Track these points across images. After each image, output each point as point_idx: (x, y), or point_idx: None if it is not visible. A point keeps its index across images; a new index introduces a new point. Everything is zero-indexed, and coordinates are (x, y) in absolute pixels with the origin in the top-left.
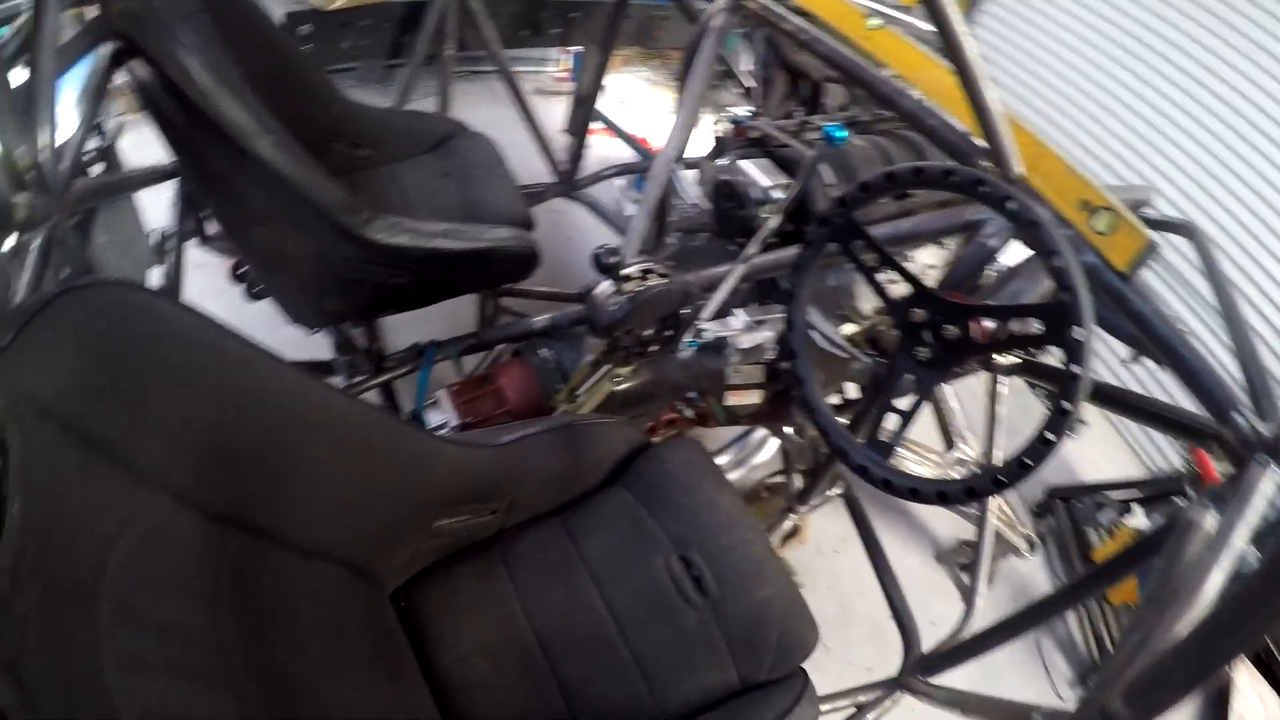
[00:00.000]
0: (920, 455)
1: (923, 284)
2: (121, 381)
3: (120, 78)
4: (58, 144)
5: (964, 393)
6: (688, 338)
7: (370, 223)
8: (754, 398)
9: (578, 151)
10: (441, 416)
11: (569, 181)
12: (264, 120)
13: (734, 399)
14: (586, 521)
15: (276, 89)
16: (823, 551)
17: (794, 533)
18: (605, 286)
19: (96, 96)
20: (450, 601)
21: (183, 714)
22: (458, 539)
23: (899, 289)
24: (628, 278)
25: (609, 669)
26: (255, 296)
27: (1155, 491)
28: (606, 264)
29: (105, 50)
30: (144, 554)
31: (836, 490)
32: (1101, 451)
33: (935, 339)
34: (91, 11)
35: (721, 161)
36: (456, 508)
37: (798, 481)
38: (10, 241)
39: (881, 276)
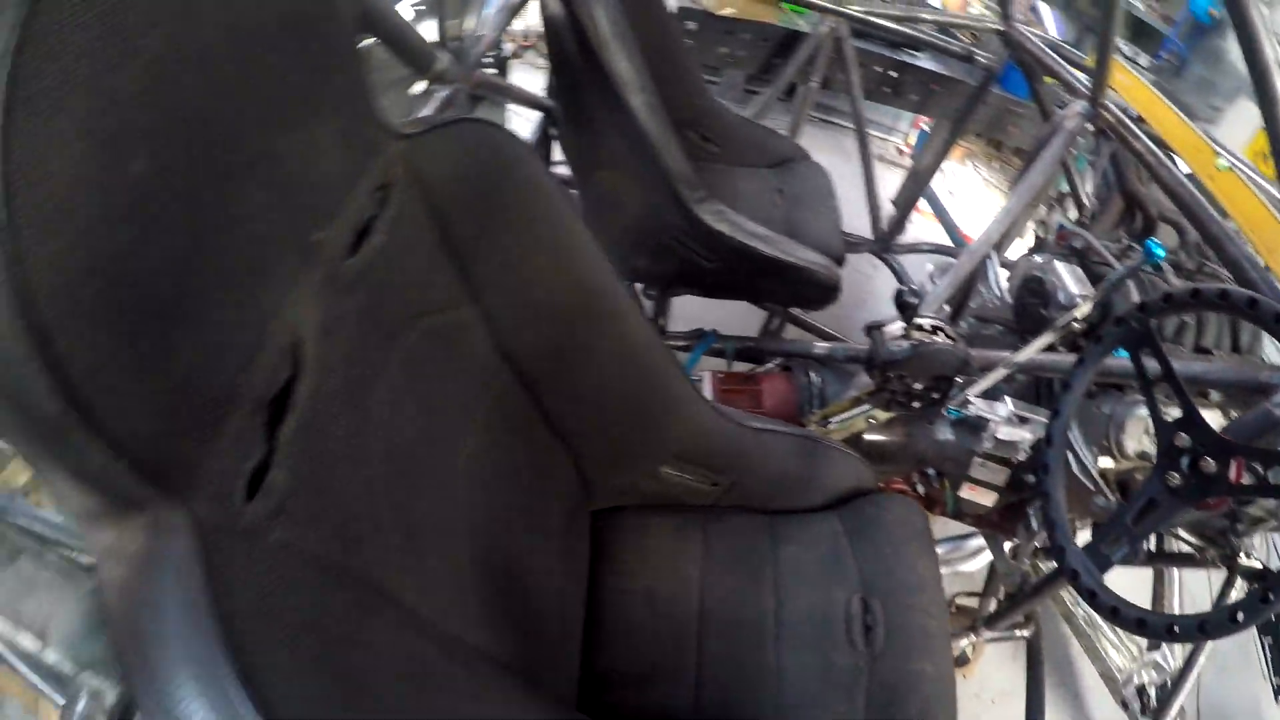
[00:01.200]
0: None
1: (1197, 409)
2: (486, 199)
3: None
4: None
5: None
6: (952, 405)
7: (702, 202)
8: (988, 499)
9: (900, 222)
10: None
11: (885, 243)
12: (644, 80)
13: (969, 493)
14: (791, 531)
15: (657, 63)
16: (981, 697)
17: (963, 661)
18: (894, 327)
19: (511, 13)
20: (639, 541)
21: (411, 495)
22: (672, 493)
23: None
24: (918, 326)
25: (749, 667)
26: None
27: None
28: (905, 302)
29: None
30: (436, 339)
31: (1024, 632)
32: None
33: (1191, 468)
34: None
35: (1036, 258)
36: (687, 464)
37: (992, 605)
38: (421, 86)
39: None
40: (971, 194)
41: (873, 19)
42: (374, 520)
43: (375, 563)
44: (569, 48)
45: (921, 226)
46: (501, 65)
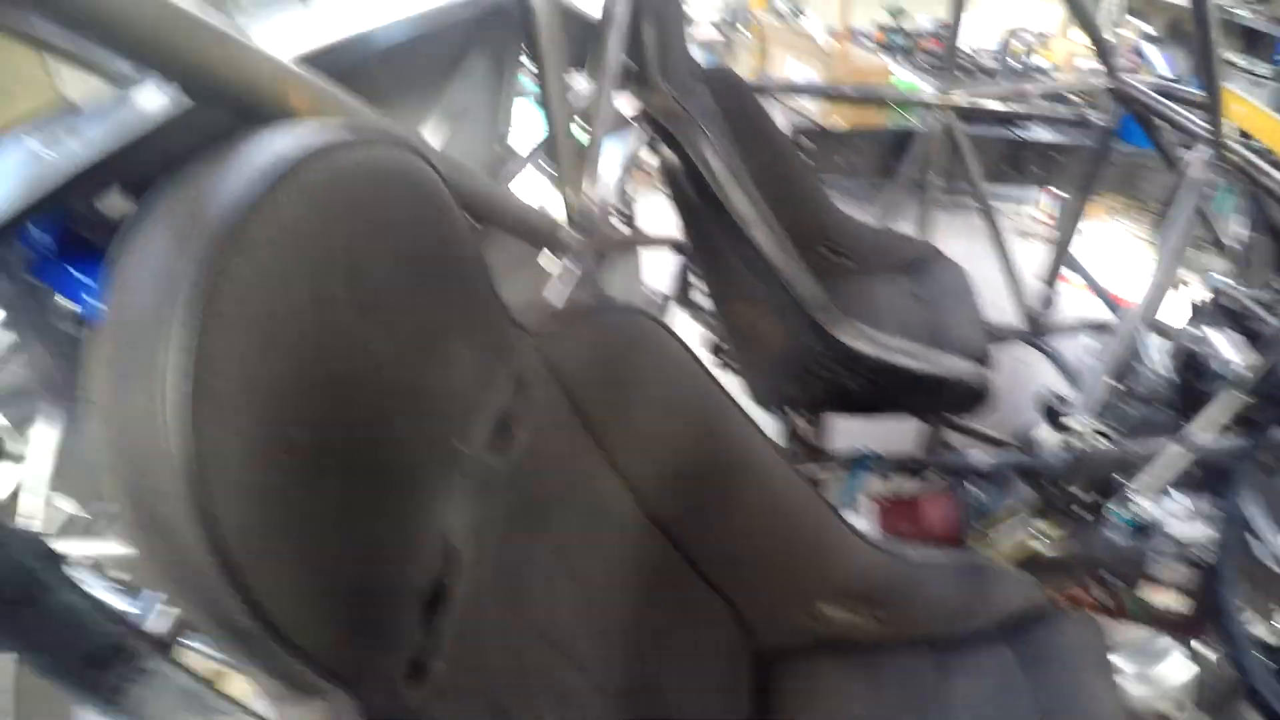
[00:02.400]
0: None
1: None
2: (622, 379)
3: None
4: (597, 196)
5: None
6: (1118, 508)
7: (839, 324)
8: (1172, 599)
9: (1048, 298)
10: (859, 523)
11: (1035, 327)
12: (763, 212)
13: (1152, 593)
14: (960, 662)
15: (777, 188)
16: None
17: None
18: (1048, 435)
19: (629, 166)
20: (802, 684)
21: (563, 665)
22: (834, 632)
23: None
24: (1072, 430)
25: None
26: (724, 366)
27: None
28: (1054, 411)
29: (642, 132)
30: (584, 517)
31: None
32: None
33: None
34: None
35: (1191, 330)
36: (845, 600)
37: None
38: (549, 258)
39: None
40: (1119, 250)
41: (979, 103)
42: (525, 693)
43: None
44: (687, 191)
45: (1073, 297)
46: (629, 212)
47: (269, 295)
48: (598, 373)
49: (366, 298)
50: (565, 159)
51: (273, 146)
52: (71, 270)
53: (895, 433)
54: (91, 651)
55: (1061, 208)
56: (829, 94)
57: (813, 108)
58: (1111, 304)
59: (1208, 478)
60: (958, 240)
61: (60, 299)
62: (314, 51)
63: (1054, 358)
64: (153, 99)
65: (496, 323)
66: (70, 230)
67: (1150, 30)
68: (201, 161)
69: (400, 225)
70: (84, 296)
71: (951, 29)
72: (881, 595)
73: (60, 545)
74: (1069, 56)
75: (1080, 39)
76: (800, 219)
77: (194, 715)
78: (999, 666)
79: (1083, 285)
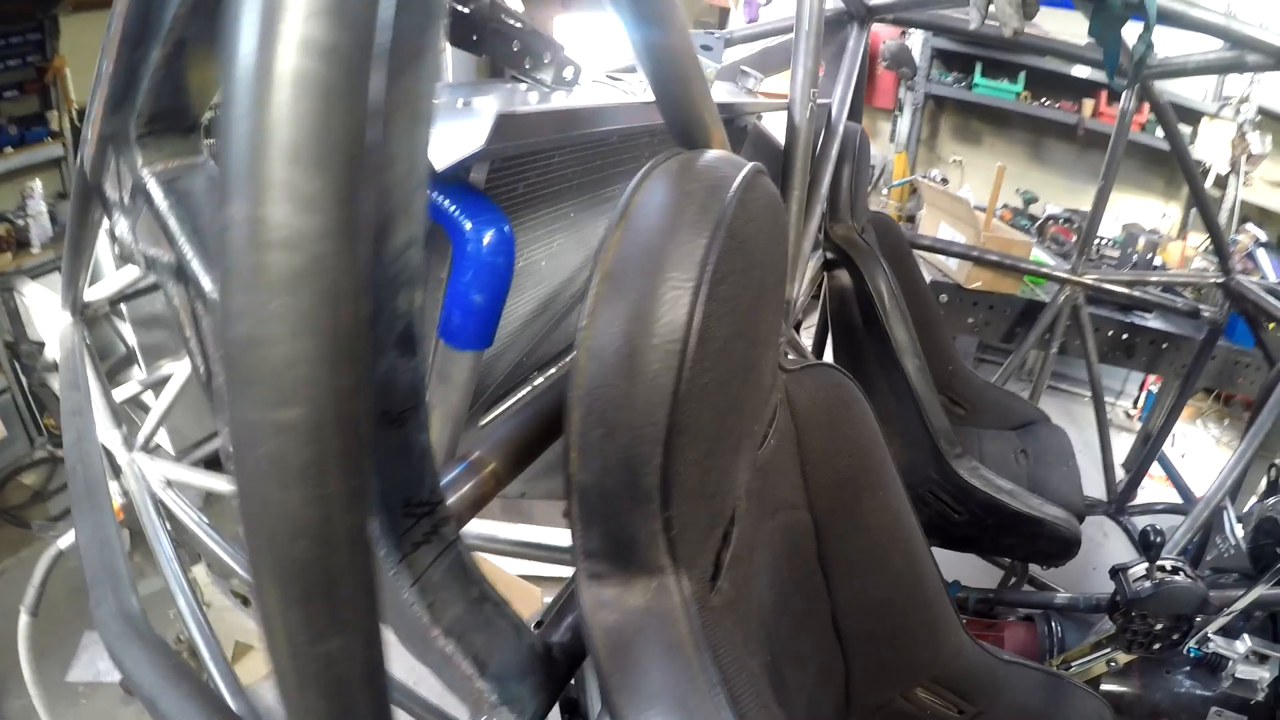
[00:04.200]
0: None
1: None
2: (830, 426)
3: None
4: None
5: None
6: (1192, 643)
7: (959, 458)
8: None
9: (1132, 485)
10: None
11: (1119, 505)
12: (916, 346)
13: None
14: None
15: (918, 330)
16: None
17: None
18: (1138, 568)
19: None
20: None
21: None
22: (919, 715)
23: None
24: (1160, 566)
25: None
26: None
27: None
28: (1151, 541)
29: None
30: (785, 531)
31: None
32: None
33: None
34: None
35: (1271, 501)
36: (941, 689)
37: None
38: None
39: None
40: (1204, 454)
41: (1105, 285)
42: (754, 635)
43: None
44: (852, 315)
45: (1154, 491)
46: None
47: (732, 260)
48: (820, 415)
49: (753, 282)
50: None
51: (733, 161)
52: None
53: (976, 573)
54: (414, 498)
55: (1155, 400)
56: (975, 256)
57: (953, 268)
58: (1193, 500)
59: (1274, 633)
60: (1057, 418)
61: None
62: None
63: (1134, 536)
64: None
65: (778, 346)
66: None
67: (1263, 237)
68: (678, 155)
69: (773, 238)
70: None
71: (1093, 216)
72: (973, 690)
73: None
74: (1182, 259)
75: (1194, 242)
76: (933, 365)
77: (459, 592)
78: None
79: (1167, 480)
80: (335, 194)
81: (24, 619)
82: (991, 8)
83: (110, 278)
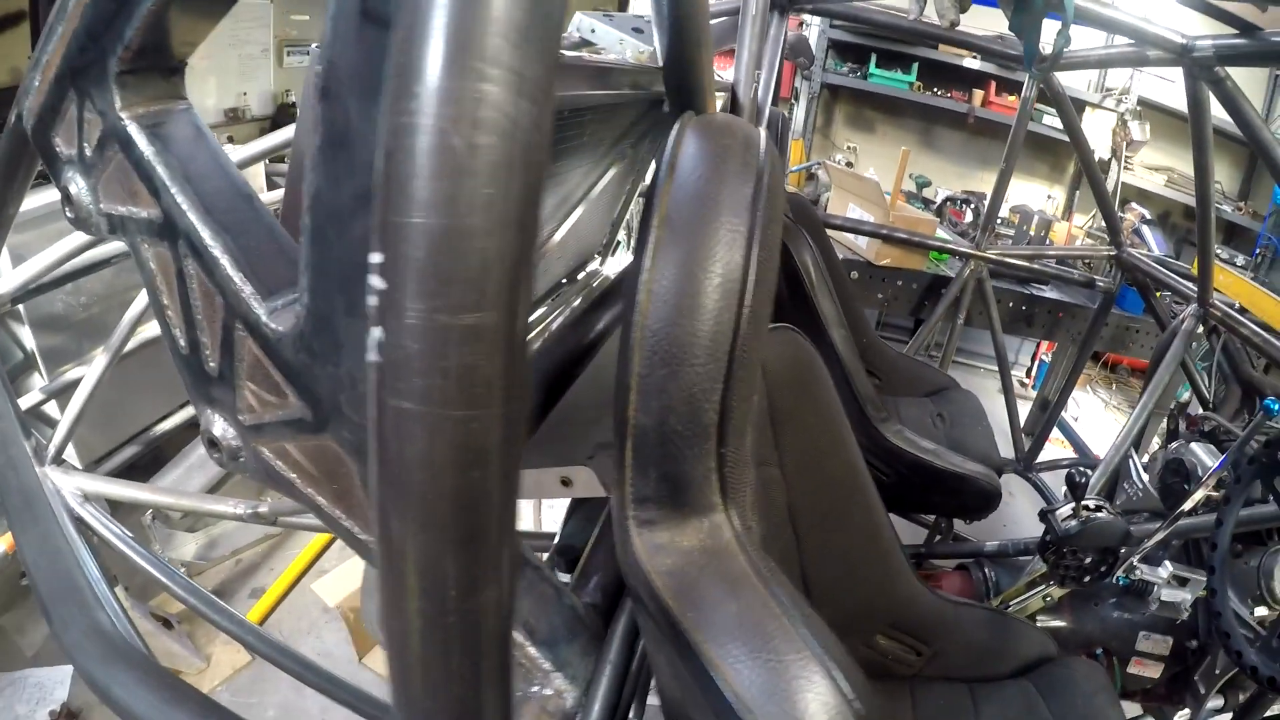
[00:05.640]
0: None
1: None
2: (796, 384)
3: None
4: None
5: None
6: (1121, 573)
7: (886, 421)
8: (1154, 671)
9: (1039, 443)
10: None
11: (1027, 461)
12: (841, 317)
13: (1136, 668)
14: (990, 694)
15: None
16: None
17: None
18: (1064, 509)
19: None
20: None
21: None
22: (882, 662)
23: None
24: (1086, 506)
25: None
26: None
27: None
28: (1076, 482)
29: None
30: (762, 485)
31: None
32: None
33: None
34: None
35: (1174, 445)
36: (899, 633)
37: None
38: None
39: None
40: (1094, 416)
41: (1008, 259)
42: None
43: None
44: (781, 288)
45: (1052, 452)
46: None
47: (768, 208)
48: (787, 374)
49: (778, 231)
50: None
51: (745, 122)
52: None
53: (904, 530)
54: None
55: (1048, 369)
56: (885, 234)
57: (863, 246)
58: (1087, 452)
59: (1187, 557)
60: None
61: None
62: None
63: (1043, 491)
64: None
65: None
66: None
67: (1148, 214)
68: (701, 116)
69: (782, 191)
70: None
71: (995, 196)
72: (929, 632)
73: None
74: (1068, 237)
75: (1078, 222)
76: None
77: None
78: (1024, 697)
79: (1064, 443)
80: (548, 82)
81: None
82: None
83: (10, 273)
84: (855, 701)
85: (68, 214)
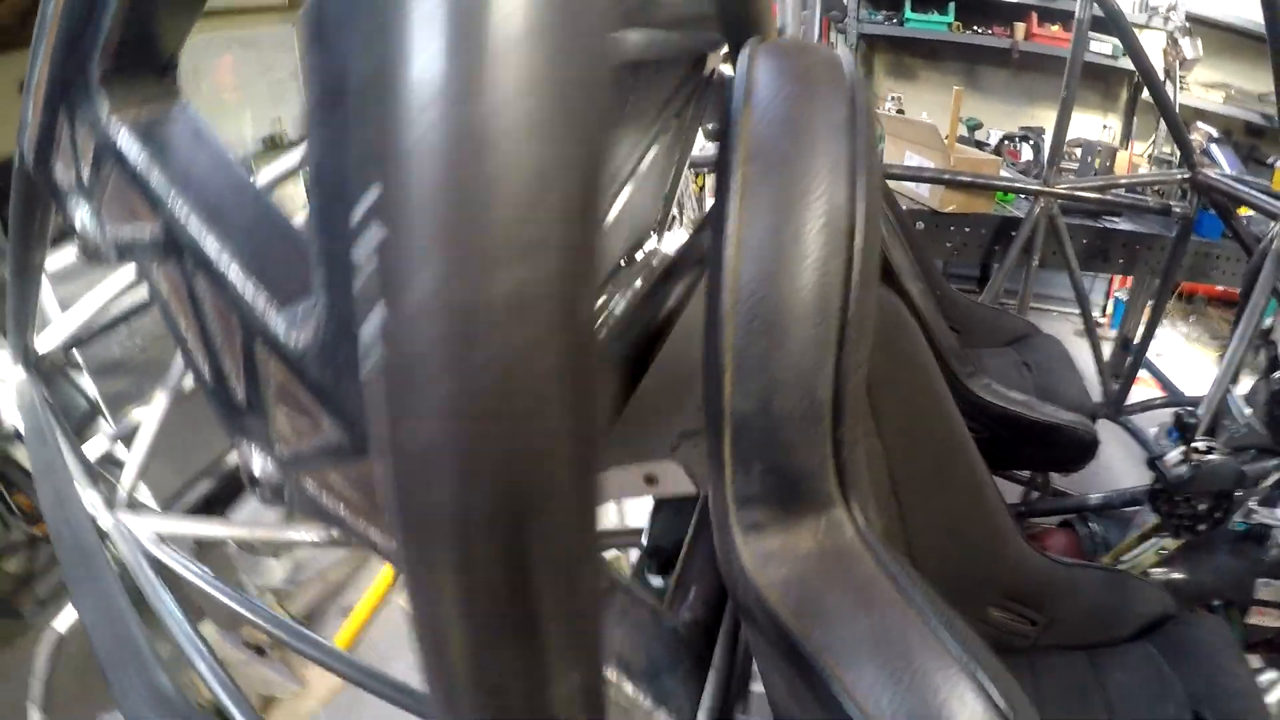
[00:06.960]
0: None
1: None
2: (891, 348)
3: None
4: None
5: None
6: (1238, 518)
7: (972, 376)
8: (1276, 620)
9: (1127, 385)
10: None
11: (1116, 405)
12: (916, 269)
13: (1257, 617)
14: (1112, 661)
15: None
16: None
17: None
18: (1173, 454)
19: None
20: None
21: None
22: (996, 635)
23: None
24: (1195, 449)
25: None
26: None
27: None
28: (1186, 423)
29: None
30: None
31: None
32: None
33: None
34: None
35: (1276, 374)
36: (1012, 603)
37: None
38: None
39: None
40: (1176, 352)
41: (1078, 193)
42: None
43: None
44: None
45: (1141, 393)
46: None
47: (865, 134)
48: (879, 334)
49: (875, 160)
50: None
51: (824, 48)
52: None
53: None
54: None
55: (1125, 308)
56: (948, 179)
57: (924, 194)
58: (1177, 391)
59: None
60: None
61: None
62: None
63: (1135, 433)
64: None
65: None
66: None
67: (1215, 133)
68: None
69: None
70: None
71: (1059, 128)
72: (1043, 599)
73: None
74: (1130, 166)
75: (1137, 150)
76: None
77: None
78: (1147, 661)
79: (1154, 382)
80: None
81: (36, 717)
82: None
83: (59, 321)
84: (1013, 716)
85: (80, 249)
